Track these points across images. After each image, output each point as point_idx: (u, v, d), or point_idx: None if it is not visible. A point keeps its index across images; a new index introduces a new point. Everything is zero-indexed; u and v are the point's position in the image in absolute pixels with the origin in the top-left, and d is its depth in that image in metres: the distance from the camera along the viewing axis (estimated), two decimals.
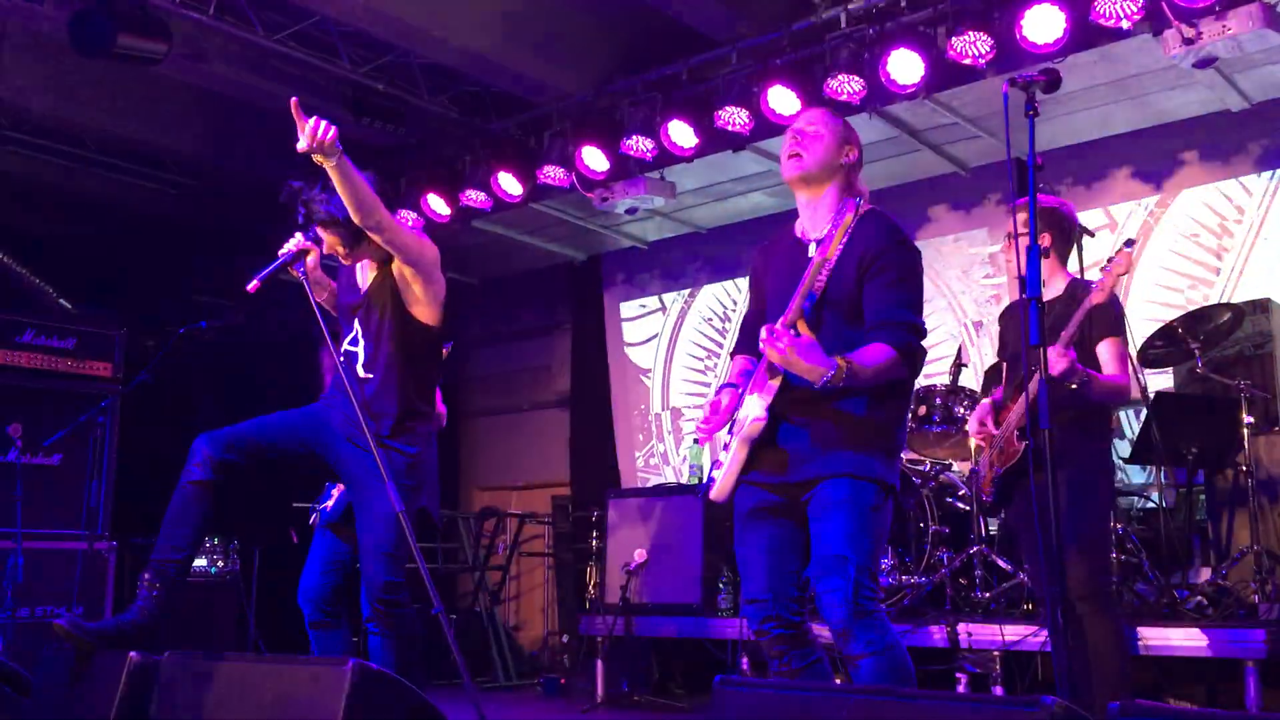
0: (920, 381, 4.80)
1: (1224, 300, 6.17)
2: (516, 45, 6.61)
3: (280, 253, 3.51)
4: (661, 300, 8.93)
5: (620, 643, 6.32)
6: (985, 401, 4.06)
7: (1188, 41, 5.05)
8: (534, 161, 7.14)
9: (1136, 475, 6.24)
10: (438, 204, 7.57)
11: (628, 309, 9.13)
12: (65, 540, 5.99)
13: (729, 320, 8.47)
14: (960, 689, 4.93)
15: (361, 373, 3.58)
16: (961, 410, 5.55)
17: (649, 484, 8.42)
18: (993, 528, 5.70)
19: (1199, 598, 4.98)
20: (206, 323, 5.17)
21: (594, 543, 7.14)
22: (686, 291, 8.77)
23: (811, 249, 2.97)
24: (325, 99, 6.78)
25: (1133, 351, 4.85)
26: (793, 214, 3.14)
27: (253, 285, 3.37)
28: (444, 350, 3.77)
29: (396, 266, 3.57)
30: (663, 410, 8.78)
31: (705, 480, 3.07)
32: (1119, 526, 5.04)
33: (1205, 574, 5.24)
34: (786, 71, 6.09)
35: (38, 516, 5.71)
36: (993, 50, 5.51)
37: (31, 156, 7.57)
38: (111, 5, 5.72)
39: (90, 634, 3.15)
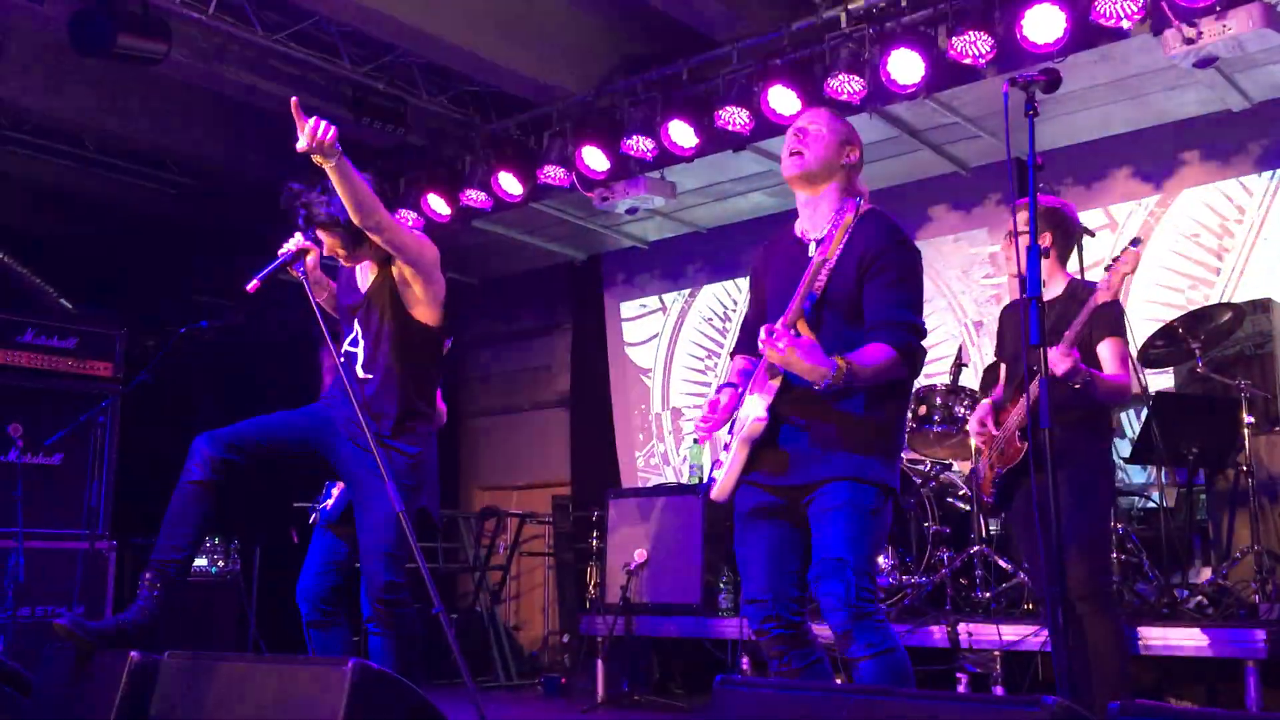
0: (920, 381, 4.81)
1: (1224, 300, 6.18)
2: (516, 45, 6.61)
3: (280, 252, 3.50)
4: (662, 300, 8.93)
5: (620, 642, 6.31)
6: (985, 402, 4.05)
7: (1188, 41, 5.05)
8: (534, 161, 7.14)
9: (1137, 475, 6.23)
10: (438, 204, 7.57)
11: (628, 309, 9.12)
12: (66, 540, 5.99)
13: (729, 320, 8.47)
14: (960, 689, 4.93)
15: (361, 373, 3.58)
16: (962, 410, 5.55)
17: (649, 484, 8.41)
18: (993, 528, 5.70)
19: (1199, 598, 4.99)
20: (206, 323, 5.16)
21: (594, 542, 7.14)
22: (687, 291, 8.77)
23: (812, 249, 2.96)
24: (325, 99, 6.78)
25: (1133, 351, 4.85)
26: (793, 214, 3.13)
27: (253, 285, 3.37)
28: (445, 346, 3.76)
29: (396, 267, 3.57)
30: (663, 410, 8.77)
31: (705, 480, 3.07)
32: (1119, 526, 5.03)
33: (1206, 574, 5.24)
34: (787, 71, 6.09)
35: (38, 516, 5.72)
36: (993, 50, 5.51)
37: (31, 156, 7.57)
38: (111, 5, 5.72)
39: (91, 633, 3.15)
